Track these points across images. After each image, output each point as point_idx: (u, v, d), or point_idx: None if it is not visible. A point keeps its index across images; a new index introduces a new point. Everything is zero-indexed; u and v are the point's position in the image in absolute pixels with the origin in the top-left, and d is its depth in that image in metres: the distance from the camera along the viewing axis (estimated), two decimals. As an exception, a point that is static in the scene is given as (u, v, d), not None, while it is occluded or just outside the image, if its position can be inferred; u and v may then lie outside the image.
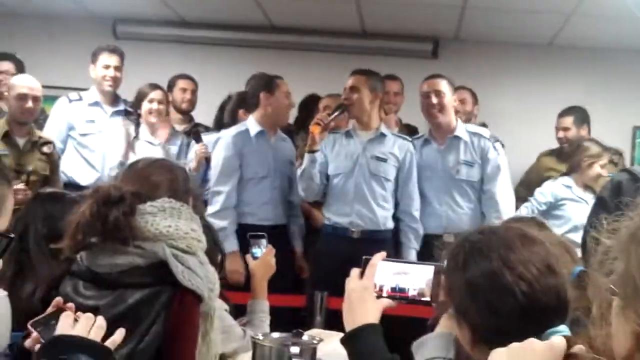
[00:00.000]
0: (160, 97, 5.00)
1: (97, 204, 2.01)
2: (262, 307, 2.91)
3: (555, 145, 5.77)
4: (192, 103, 5.76)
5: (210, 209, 4.52)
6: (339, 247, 4.34)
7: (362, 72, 4.61)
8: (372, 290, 1.89)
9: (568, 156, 5.56)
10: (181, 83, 5.73)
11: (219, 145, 4.63)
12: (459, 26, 6.43)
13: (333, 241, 4.47)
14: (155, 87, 5.04)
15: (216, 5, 6.37)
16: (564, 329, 1.39)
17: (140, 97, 4.99)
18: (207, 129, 5.42)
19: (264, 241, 3.10)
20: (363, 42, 6.78)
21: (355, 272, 1.91)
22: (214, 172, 4.64)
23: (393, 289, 1.93)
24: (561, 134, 5.69)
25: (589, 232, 1.49)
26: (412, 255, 4.49)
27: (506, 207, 4.54)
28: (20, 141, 4.67)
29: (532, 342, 1.20)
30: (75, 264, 2.09)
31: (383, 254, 1.94)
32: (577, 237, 4.36)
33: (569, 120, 5.69)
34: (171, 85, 5.68)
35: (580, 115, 5.71)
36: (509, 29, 6.39)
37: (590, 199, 4.92)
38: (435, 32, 6.69)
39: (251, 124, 4.67)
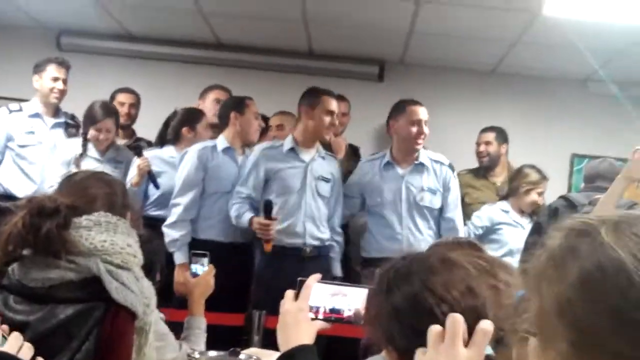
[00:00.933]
0: (109, 125, 4.94)
1: (30, 215, 1.97)
2: (198, 323, 2.88)
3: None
4: (131, 117, 5.69)
5: (167, 220, 4.57)
6: (289, 266, 4.34)
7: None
8: (306, 311, 1.89)
9: (486, 171, 5.67)
10: (120, 97, 5.67)
11: (185, 158, 4.66)
12: (404, 50, 6.50)
13: (283, 260, 4.45)
14: (107, 114, 4.95)
15: (163, 21, 6.33)
16: (487, 349, 1.41)
17: (90, 120, 4.90)
18: (149, 144, 5.37)
19: (205, 259, 3.08)
20: (310, 62, 6.79)
21: (289, 293, 1.91)
22: (176, 184, 4.64)
23: (329, 311, 1.93)
24: (482, 147, 5.79)
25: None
26: (338, 266, 4.61)
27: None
28: None
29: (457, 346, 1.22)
30: (5, 277, 2.04)
31: (318, 275, 1.94)
32: (513, 261, 4.43)
33: (491, 135, 5.81)
34: (111, 99, 5.62)
35: (502, 134, 5.84)
36: (453, 54, 6.49)
37: (527, 224, 5.02)
38: (382, 55, 6.76)
39: (220, 141, 4.73)
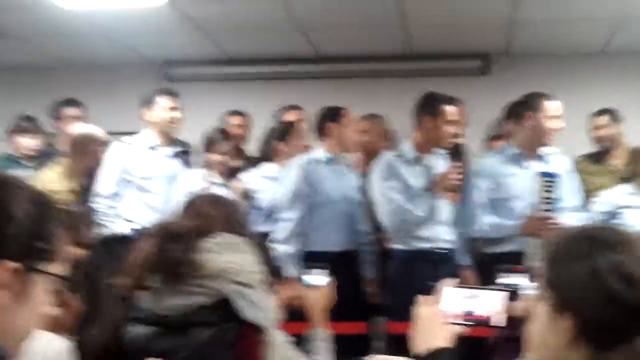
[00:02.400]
0: (228, 148, 5.08)
1: (159, 240, 2.00)
2: (322, 335, 2.88)
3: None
4: (243, 138, 5.81)
5: (279, 235, 4.59)
6: (421, 271, 4.30)
7: None
8: (440, 315, 1.86)
9: (603, 155, 5.44)
10: (231, 120, 5.80)
11: (290, 172, 4.70)
12: (508, 41, 6.38)
13: (414, 266, 4.40)
14: (225, 136, 5.10)
15: (262, 40, 6.43)
16: None
17: (210, 145, 5.03)
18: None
19: (324, 271, 3.07)
20: (411, 64, 6.76)
21: (422, 299, 1.90)
22: (283, 198, 4.68)
23: (464, 313, 1.91)
24: (602, 131, 5.58)
25: None
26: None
27: None
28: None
29: None
30: (136, 308, 2.07)
31: (451, 280, 1.93)
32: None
33: (604, 119, 5.60)
34: (223, 123, 5.74)
35: (614, 114, 5.61)
36: (559, 39, 6.33)
37: (654, 206, 4.78)
38: (485, 48, 6.64)
39: (321, 152, 4.76)
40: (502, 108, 6.01)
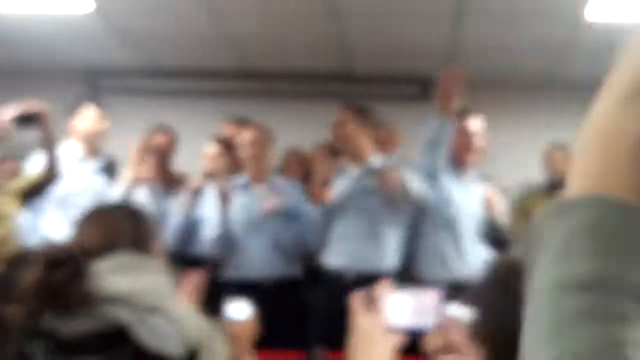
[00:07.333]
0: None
1: (42, 268, 1.80)
2: None
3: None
4: (169, 154, 5.47)
5: None
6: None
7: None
8: (382, 325, 1.60)
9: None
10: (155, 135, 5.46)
11: None
12: (448, 67, 6.30)
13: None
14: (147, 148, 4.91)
15: (193, 52, 6.28)
16: None
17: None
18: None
19: (247, 303, 2.81)
20: (347, 86, 6.63)
21: (359, 307, 1.63)
22: None
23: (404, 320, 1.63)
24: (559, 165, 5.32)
25: None
26: None
27: None
28: None
29: None
30: (29, 336, 1.85)
31: (388, 281, 1.66)
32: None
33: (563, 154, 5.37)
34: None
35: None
36: (500, 68, 6.27)
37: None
38: (425, 73, 6.53)
39: None
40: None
